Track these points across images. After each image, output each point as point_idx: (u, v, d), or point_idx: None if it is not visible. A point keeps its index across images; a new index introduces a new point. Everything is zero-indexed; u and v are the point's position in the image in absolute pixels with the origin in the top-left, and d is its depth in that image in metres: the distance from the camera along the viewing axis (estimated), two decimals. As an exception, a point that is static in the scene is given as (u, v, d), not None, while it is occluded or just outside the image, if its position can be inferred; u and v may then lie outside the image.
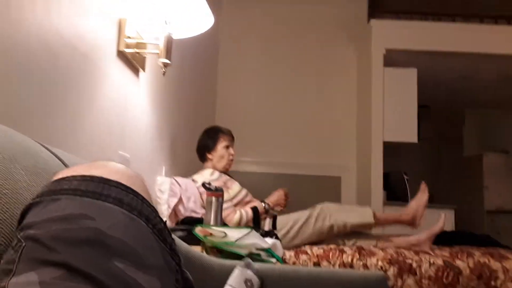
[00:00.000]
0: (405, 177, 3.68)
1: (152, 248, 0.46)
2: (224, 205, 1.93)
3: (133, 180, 0.50)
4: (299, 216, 2.07)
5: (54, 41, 1.11)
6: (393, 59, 3.50)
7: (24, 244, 0.41)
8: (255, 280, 0.87)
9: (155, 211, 0.49)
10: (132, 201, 0.47)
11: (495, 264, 1.82)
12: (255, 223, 2.02)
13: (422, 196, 2.16)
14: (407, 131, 3.46)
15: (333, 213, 2.02)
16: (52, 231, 0.41)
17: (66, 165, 0.72)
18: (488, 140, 5.19)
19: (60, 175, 0.49)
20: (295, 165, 3.60)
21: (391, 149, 3.49)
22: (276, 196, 2.26)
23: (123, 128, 1.61)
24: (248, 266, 0.85)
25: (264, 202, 2.20)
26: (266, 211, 2.15)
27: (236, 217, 2.02)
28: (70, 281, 0.38)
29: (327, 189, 3.56)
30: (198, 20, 1.56)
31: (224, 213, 1.86)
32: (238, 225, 1.96)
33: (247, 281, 0.83)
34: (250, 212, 2.06)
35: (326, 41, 3.79)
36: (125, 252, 0.42)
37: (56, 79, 1.13)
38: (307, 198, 3.51)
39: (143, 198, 0.49)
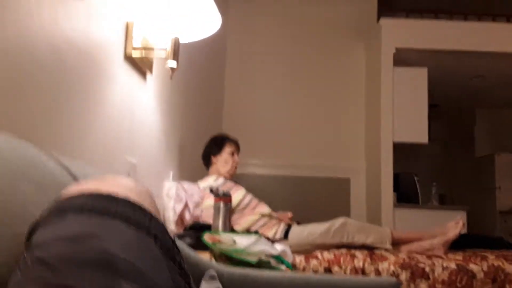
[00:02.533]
0: (416, 178, 3.63)
1: (160, 268, 0.44)
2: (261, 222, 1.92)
3: (142, 196, 0.49)
4: (316, 229, 2.00)
5: (61, 45, 1.10)
6: (403, 58, 3.46)
7: (30, 265, 0.40)
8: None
9: (163, 228, 0.48)
10: (140, 219, 0.46)
11: (509, 267, 1.78)
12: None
13: (453, 230, 1.98)
14: (417, 131, 3.42)
15: (352, 233, 1.97)
16: (60, 252, 0.40)
17: (74, 176, 0.71)
18: (500, 140, 5.11)
19: (68, 191, 0.48)
20: (304, 167, 3.57)
21: (401, 150, 3.45)
22: (281, 215, 2.23)
23: (130, 133, 1.60)
24: (212, 277, 0.83)
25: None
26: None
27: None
28: None
29: (336, 191, 3.53)
30: (206, 22, 1.54)
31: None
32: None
33: None
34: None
35: (335, 41, 3.76)
36: (132, 274, 0.41)
37: (63, 83, 1.12)
38: (316, 200, 3.48)
39: (152, 215, 0.47)
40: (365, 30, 3.73)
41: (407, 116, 3.40)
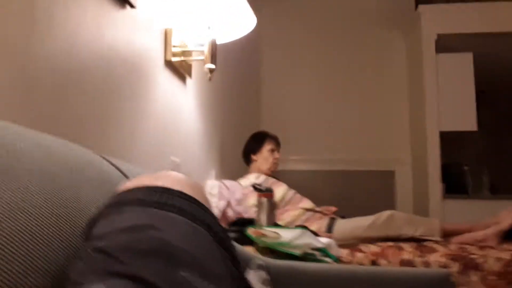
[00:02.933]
0: (465, 168, 3.48)
1: (215, 257, 0.46)
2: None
3: (194, 189, 0.51)
4: (361, 222, 1.95)
5: (106, 52, 1.16)
6: (445, 44, 3.33)
7: (92, 255, 0.42)
8: (266, 277, 0.86)
9: (216, 220, 0.50)
10: (194, 211, 0.47)
11: None
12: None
13: (507, 219, 1.89)
14: (465, 119, 3.28)
15: (400, 226, 1.92)
16: (120, 242, 0.42)
17: (126, 176, 0.75)
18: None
19: (125, 186, 0.51)
20: (346, 161, 3.52)
21: (448, 139, 3.32)
22: (325, 210, 2.20)
23: (174, 135, 1.66)
24: (260, 267, 0.84)
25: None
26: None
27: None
28: None
29: (380, 184, 3.45)
30: (241, 22, 1.57)
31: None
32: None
33: (264, 282, 0.82)
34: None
35: (371, 31, 3.68)
36: (191, 262, 0.42)
37: (109, 91, 1.18)
38: (360, 194, 3.43)
39: (205, 207, 0.49)
40: (403, 19, 3.62)
41: (453, 104, 3.27)
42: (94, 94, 1.11)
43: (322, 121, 3.61)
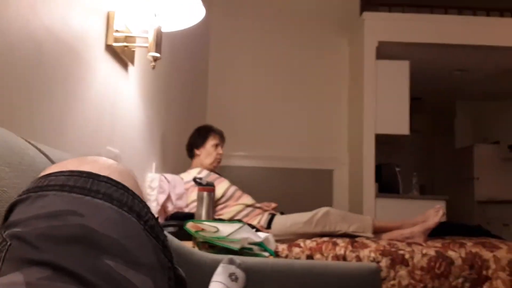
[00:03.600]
0: (397, 169, 3.69)
1: (144, 245, 0.44)
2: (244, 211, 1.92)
3: (123, 175, 0.48)
4: (299, 218, 2.01)
5: (40, 34, 1.08)
6: (385, 51, 3.50)
7: (9, 243, 0.40)
8: (240, 273, 0.87)
9: (146, 207, 0.48)
10: (122, 197, 0.45)
11: (486, 254, 1.84)
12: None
13: (433, 218, 2.01)
14: (399, 123, 3.47)
15: (335, 222, 1.99)
16: (38, 229, 0.40)
17: (53, 162, 0.70)
18: (480, 132, 5.23)
19: (48, 170, 0.48)
20: (287, 158, 3.60)
21: (383, 142, 3.50)
22: (265, 206, 2.24)
23: (112, 124, 1.59)
24: (230, 262, 0.85)
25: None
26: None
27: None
28: (57, 281, 0.37)
29: (319, 182, 3.57)
30: (189, 12, 1.53)
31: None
32: None
33: (231, 275, 0.83)
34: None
35: (318, 34, 3.78)
36: (115, 250, 0.41)
37: (41, 73, 1.10)
38: (299, 191, 3.52)
39: (134, 193, 0.47)
40: (348, 24, 3.76)
41: (389, 108, 3.45)
42: (23, 75, 1.02)
43: (265, 119, 3.65)
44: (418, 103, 4.89)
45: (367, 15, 3.49)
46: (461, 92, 4.88)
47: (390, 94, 3.46)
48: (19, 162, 0.59)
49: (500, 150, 4.87)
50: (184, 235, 1.24)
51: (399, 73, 3.53)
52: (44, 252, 0.38)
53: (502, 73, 4.08)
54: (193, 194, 1.97)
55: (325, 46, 3.77)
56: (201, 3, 1.52)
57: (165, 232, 0.53)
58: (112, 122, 1.58)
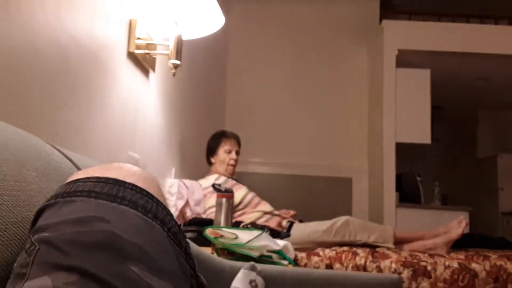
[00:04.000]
0: (418, 178, 3.63)
1: (167, 252, 0.45)
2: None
3: (148, 182, 0.49)
4: (318, 227, 1.98)
5: (65, 42, 1.11)
6: (405, 60, 3.47)
7: (37, 247, 0.40)
8: (260, 280, 0.86)
9: (170, 214, 0.48)
10: (147, 204, 0.46)
11: (511, 267, 1.78)
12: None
13: (456, 229, 1.95)
14: (420, 132, 3.42)
15: (355, 232, 1.95)
16: (66, 234, 0.41)
17: (77, 167, 0.71)
18: (503, 142, 5.11)
19: (75, 176, 0.49)
20: (306, 166, 3.57)
21: (404, 151, 3.45)
22: (283, 213, 2.22)
23: (133, 129, 1.61)
24: (252, 268, 0.84)
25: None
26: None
27: None
28: (84, 286, 0.37)
29: (338, 190, 3.52)
30: (208, 20, 1.55)
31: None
32: None
33: (251, 282, 0.83)
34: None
35: (338, 41, 3.77)
36: (140, 256, 0.41)
37: (66, 80, 1.13)
38: (318, 199, 3.48)
39: (158, 200, 0.48)
40: (368, 32, 3.74)
41: (410, 117, 3.40)
42: (49, 82, 1.05)
43: (285, 126, 3.65)
44: (439, 112, 4.81)
45: (386, 23, 3.47)
46: (483, 101, 4.78)
47: (410, 102, 3.42)
48: (46, 167, 0.60)
49: (525, 160, 4.74)
50: (203, 241, 1.24)
51: (420, 81, 3.49)
52: (71, 257, 0.39)
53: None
54: (211, 200, 1.97)
55: (344, 54, 3.75)
56: (220, 12, 1.54)
57: (187, 240, 0.53)
58: (134, 127, 1.60)
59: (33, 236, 0.42)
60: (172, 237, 0.46)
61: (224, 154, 2.27)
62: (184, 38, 1.53)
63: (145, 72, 1.71)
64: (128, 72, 1.53)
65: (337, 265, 1.82)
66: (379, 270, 1.79)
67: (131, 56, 1.54)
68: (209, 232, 1.22)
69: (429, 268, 1.77)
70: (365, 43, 3.78)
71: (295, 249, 1.76)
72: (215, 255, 1.12)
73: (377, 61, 3.56)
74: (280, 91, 3.70)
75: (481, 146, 5.22)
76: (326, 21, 3.77)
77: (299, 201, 3.18)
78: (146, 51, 1.59)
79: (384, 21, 3.48)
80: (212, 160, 2.31)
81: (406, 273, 1.77)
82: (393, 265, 1.79)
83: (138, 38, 1.54)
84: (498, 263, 1.79)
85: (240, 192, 2.14)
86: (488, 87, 4.20)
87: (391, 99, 3.38)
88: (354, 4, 3.76)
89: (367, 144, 3.67)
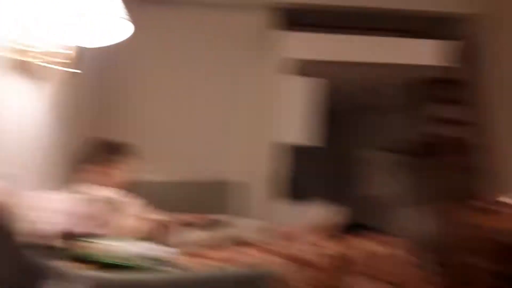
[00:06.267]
0: (306, 180, 3.94)
1: (5, 264, 0.45)
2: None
3: None
4: (203, 231, 2.08)
5: None
6: (299, 68, 3.76)
7: None
8: None
9: (9, 227, 0.50)
10: None
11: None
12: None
13: (315, 218, 2.23)
14: (310, 135, 3.75)
15: (234, 232, 2.06)
16: None
17: None
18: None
19: None
20: (194, 171, 3.52)
21: (291, 153, 3.74)
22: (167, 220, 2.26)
23: (15, 141, 1.55)
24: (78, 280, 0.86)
25: None
26: None
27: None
28: None
29: (218, 194, 3.49)
30: (109, 30, 1.51)
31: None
32: None
33: None
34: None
35: (231, 50, 3.81)
36: None
37: None
38: (198, 204, 3.45)
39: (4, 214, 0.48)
40: (263, 41, 3.88)
41: (302, 121, 3.73)
42: None
43: (175, 133, 3.62)
44: (332, 116, 5.22)
45: (282, 33, 3.72)
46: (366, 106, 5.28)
47: (300, 109, 3.74)
48: None
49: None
50: (75, 255, 1.26)
51: (311, 89, 3.83)
52: None
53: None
54: (91, 211, 1.91)
55: (239, 63, 3.81)
56: (126, 21, 1.49)
57: (46, 251, 0.55)
58: (16, 139, 1.53)
59: None
60: (10, 249, 0.47)
61: (109, 164, 2.19)
62: (79, 46, 1.47)
63: (35, 81, 1.63)
64: (15, 81, 1.46)
65: (222, 265, 1.89)
66: (260, 264, 1.87)
67: (20, 63, 1.46)
68: (80, 245, 1.23)
69: (307, 258, 1.87)
70: (256, 51, 3.84)
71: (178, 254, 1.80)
72: (82, 268, 1.15)
73: (269, 68, 3.75)
74: (172, 97, 3.63)
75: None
76: (221, 28, 3.82)
77: (186, 207, 3.12)
78: (32, 59, 1.49)
79: (281, 32, 3.73)
80: (94, 168, 2.16)
81: (285, 265, 1.82)
82: (273, 259, 1.91)
83: (28, 46, 1.44)
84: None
85: (124, 202, 2.10)
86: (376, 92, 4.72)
87: (280, 106, 3.64)
88: (251, 12, 3.86)
89: (255, 148, 3.70)
